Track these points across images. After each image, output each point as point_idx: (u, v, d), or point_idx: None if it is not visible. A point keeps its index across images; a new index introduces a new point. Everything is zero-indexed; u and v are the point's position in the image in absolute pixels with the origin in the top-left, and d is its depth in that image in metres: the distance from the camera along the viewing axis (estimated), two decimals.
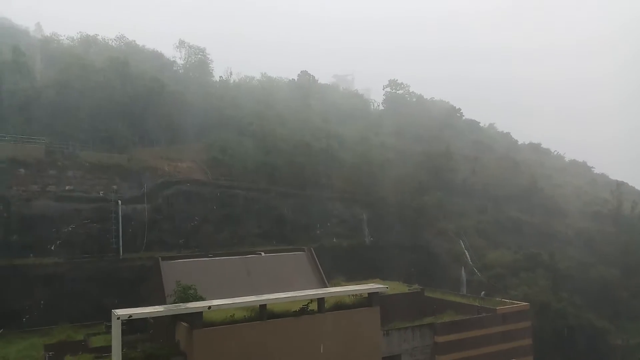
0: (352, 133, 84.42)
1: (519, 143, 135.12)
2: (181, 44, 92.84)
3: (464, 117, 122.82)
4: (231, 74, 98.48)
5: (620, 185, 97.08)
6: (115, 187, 49.65)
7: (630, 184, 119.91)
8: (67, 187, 47.44)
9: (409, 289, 47.52)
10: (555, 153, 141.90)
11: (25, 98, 53.58)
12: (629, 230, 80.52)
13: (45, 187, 46.22)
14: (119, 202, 47.74)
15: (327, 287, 43.33)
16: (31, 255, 42.80)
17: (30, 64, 58.56)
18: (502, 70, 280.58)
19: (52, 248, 44.17)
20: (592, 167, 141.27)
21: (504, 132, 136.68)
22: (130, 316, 26.24)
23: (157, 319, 32.53)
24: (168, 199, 52.19)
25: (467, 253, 68.18)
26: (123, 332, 26.05)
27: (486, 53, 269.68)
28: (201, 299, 31.77)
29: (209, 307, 27.79)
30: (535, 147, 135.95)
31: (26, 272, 41.25)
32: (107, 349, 29.17)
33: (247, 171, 61.63)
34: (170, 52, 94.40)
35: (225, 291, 33.96)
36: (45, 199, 45.48)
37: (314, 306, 31.82)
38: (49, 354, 31.90)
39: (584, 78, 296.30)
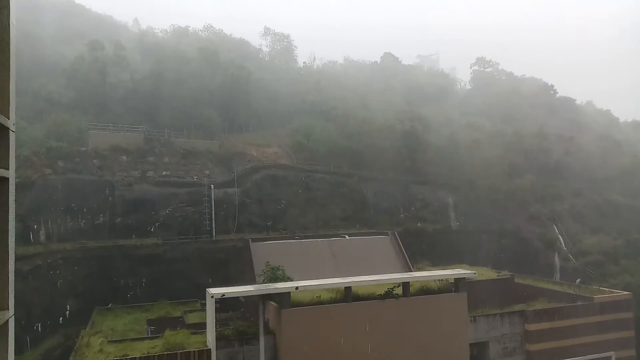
0: (437, 114, 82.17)
1: (621, 121, 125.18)
2: (266, 31, 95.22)
3: (557, 95, 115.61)
4: (314, 59, 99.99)
5: None
6: (207, 172, 52.21)
7: None
8: (164, 173, 50.47)
9: (497, 275, 46.16)
10: None
11: (126, 90, 57.61)
12: None
13: (145, 173, 49.50)
14: (212, 186, 50.03)
15: (411, 271, 43.20)
16: (133, 236, 46.08)
17: (130, 57, 62.51)
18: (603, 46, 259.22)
19: (152, 230, 47.21)
20: None
21: (603, 109, 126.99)
22: (223, 295, 27.66)
23: (248, 298, 34.14)
24: (257, 183, 54.01)
25: (561, 238, 64.64)
26: (216, 310, 27.60)
27: (587, 27, 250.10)
28: (289, 279, 32.89)
29: (297, 288, 28.71)
30: (639, 125, 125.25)
31: (130, 252, 44.54)
32: (202, 325, 31.03)
33: (330, 155, 62.16)
34: (255, 39, 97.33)
35: (311, 272, 34.86)
36: (145, 184, 48.69)
37: (398, 290, 31.85)
38: (151, 328, 34.42)
39: None
